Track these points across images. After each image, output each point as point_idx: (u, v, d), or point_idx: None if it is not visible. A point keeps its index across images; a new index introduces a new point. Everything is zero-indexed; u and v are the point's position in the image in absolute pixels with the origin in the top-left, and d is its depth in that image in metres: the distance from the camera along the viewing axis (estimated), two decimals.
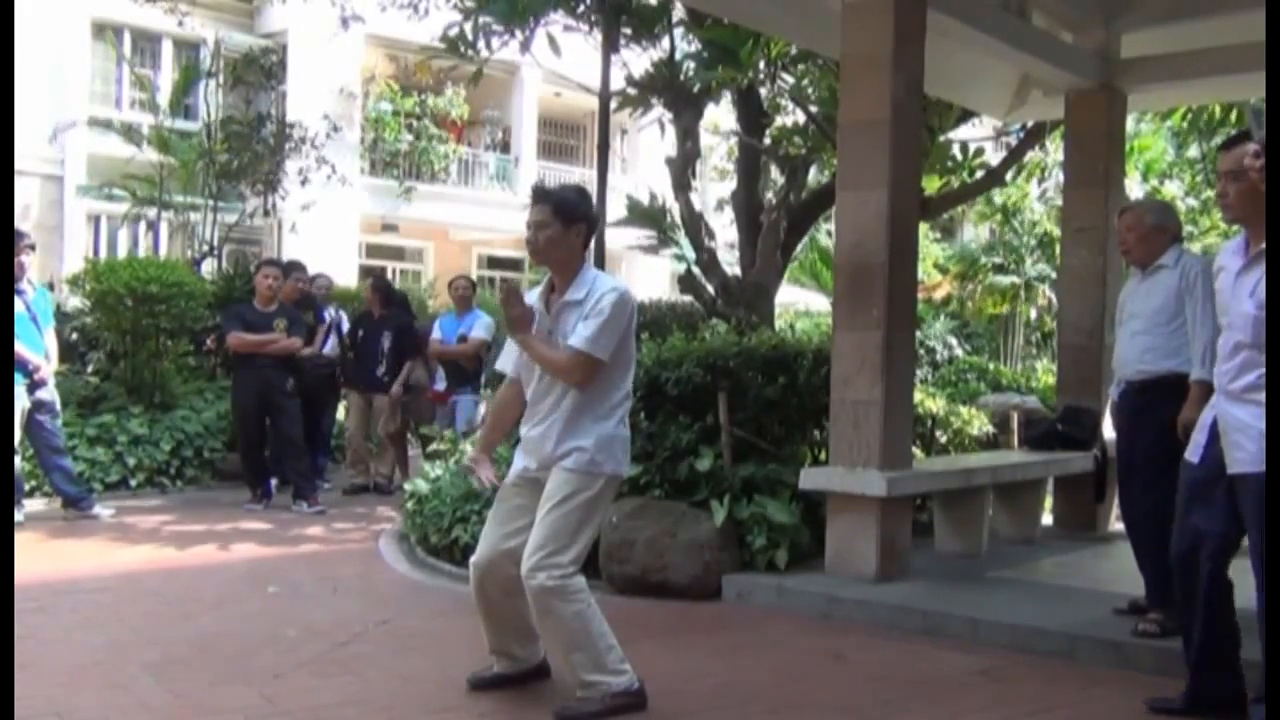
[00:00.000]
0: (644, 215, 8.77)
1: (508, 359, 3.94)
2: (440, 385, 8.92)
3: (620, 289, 3.70)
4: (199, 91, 14.98)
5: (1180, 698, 3.72)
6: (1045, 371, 11.76)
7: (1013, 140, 10.25)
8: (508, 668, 3.93)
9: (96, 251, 17.45)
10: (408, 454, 9.23)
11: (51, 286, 11.48)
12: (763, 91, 9.39)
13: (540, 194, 3.76)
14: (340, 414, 9.69)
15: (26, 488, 7.47)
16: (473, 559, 3.83)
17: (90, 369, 9.51)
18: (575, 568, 3.61)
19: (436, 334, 8.85)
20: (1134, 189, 13.98)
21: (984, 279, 16.80)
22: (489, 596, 3.79)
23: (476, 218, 21.87)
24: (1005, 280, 16.63)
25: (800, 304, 17.79)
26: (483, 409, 8.06)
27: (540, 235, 3.70)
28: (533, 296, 3.83)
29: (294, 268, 8.98)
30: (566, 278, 3.74)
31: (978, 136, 10.03)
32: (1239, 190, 3.41)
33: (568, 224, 3.69)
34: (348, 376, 9.15)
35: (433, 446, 7.56)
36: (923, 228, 12.07)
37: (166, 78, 17.82)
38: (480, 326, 8.61)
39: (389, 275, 18.48)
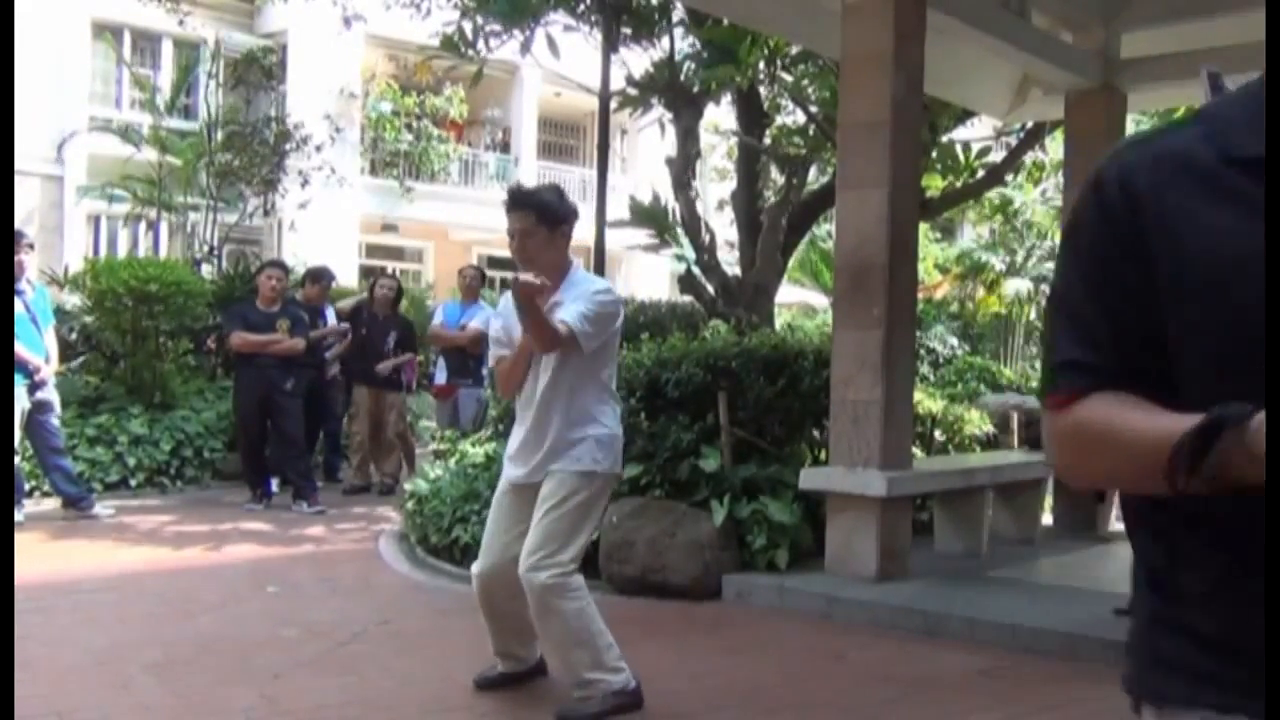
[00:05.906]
0: (646, 215, 8.77)
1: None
2: (441, 378, 8.87)
3: (609, 289, 3.74)
4: (199, 91, 14.97)
5: None
6: None
7: (1013, 140, 10.25)
8: (512, 667, 3.95)
9: (96, 252, 17.39)
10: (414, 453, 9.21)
11: (53, 281, 11.50)
12: (763, 91, 9.38)
13: (519, 200, 3.70)
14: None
15: (26, 488, 7.47)
16: (476, 569, 3.83)
17: (89, 369, 9.50)
18: (575, 565, 3.62)
19: (440, 318, 8.84)
20: None
21: (985, 276, 16.77)
22: (494, 602, 3.80)
23: (476, 218, 21.80)
24: (1006, 280, 16.60)
25: (797, 303, 17.77)
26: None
27: (529, 243, 3.66)
28: (510, 305, 3.70)
29: (322, 275, 9.22)
30: (558, 279, 3.73)
31: (978, 136, 10.02)
32: None
33: (553, 227, 3.69)
34: (351, 372, 9.14)
35: (433, 446, 7.55)
36: (923, 228, 12.04)
37: (166, 78, 17.80)
38: (481, 319, 8.56)
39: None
